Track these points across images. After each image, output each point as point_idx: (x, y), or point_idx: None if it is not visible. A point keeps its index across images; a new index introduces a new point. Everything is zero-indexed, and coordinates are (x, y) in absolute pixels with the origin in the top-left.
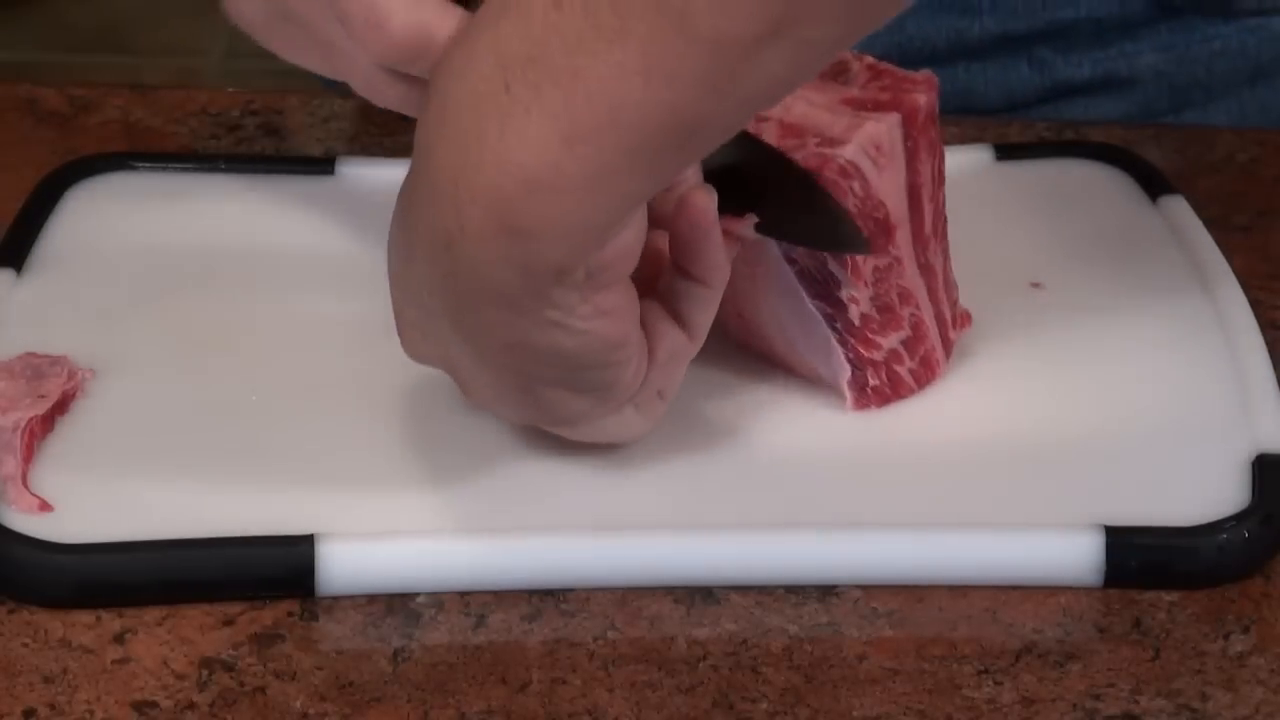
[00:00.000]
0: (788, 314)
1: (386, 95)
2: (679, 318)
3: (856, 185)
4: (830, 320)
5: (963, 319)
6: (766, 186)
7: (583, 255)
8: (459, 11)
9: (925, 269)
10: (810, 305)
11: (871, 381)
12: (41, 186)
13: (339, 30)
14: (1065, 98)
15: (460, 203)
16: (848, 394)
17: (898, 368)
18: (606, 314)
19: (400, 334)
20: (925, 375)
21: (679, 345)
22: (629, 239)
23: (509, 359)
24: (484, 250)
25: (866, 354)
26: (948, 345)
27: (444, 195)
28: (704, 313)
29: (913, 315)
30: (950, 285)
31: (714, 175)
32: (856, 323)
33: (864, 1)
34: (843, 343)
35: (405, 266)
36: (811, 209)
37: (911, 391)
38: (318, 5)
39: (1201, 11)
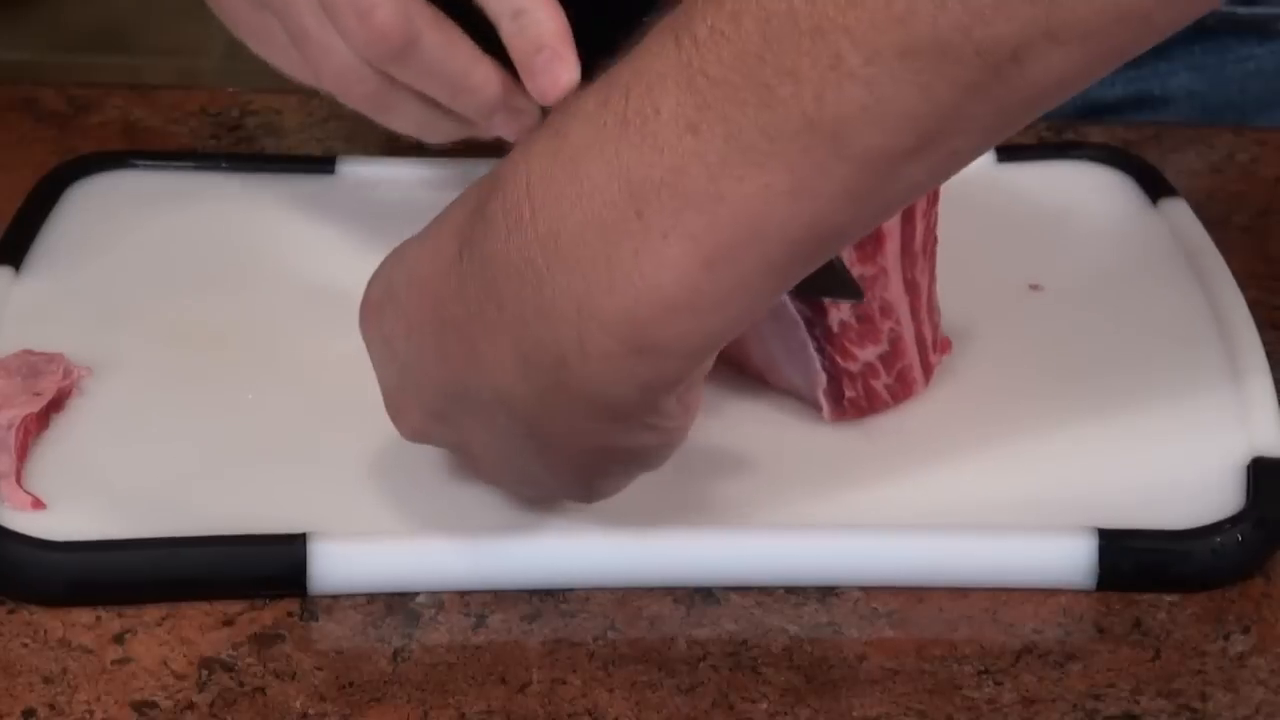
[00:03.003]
0: (767, 319)
1: (356, 91)
2: None
3: None
4: (809, 325)
5: (943, 344)
6: None
7: (700, 366)
8: (441, 15)
9: (910, 285)
10: (791, 309)
11: (848, 393)
12: (41, 184)
13: (318, 18)
14: (1097, 116)
15: (584, 326)
16: (824, 404)
17: (874, 382)
18: (690, 409)
19: (399, 415)
20: (902, 392)
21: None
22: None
23: (582, 458)
24: (605, 369)
25: (843, 364)
26: (927, 368)
27: (563, 318)
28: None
29: (892, 330)
30: (934, 309)
31: None
32: (835, 329)
33: (1011, 113)
34: (820, 350)
35: (454, 369)
36: None
37: (887, 406)
38: None
39: (1236, 31)
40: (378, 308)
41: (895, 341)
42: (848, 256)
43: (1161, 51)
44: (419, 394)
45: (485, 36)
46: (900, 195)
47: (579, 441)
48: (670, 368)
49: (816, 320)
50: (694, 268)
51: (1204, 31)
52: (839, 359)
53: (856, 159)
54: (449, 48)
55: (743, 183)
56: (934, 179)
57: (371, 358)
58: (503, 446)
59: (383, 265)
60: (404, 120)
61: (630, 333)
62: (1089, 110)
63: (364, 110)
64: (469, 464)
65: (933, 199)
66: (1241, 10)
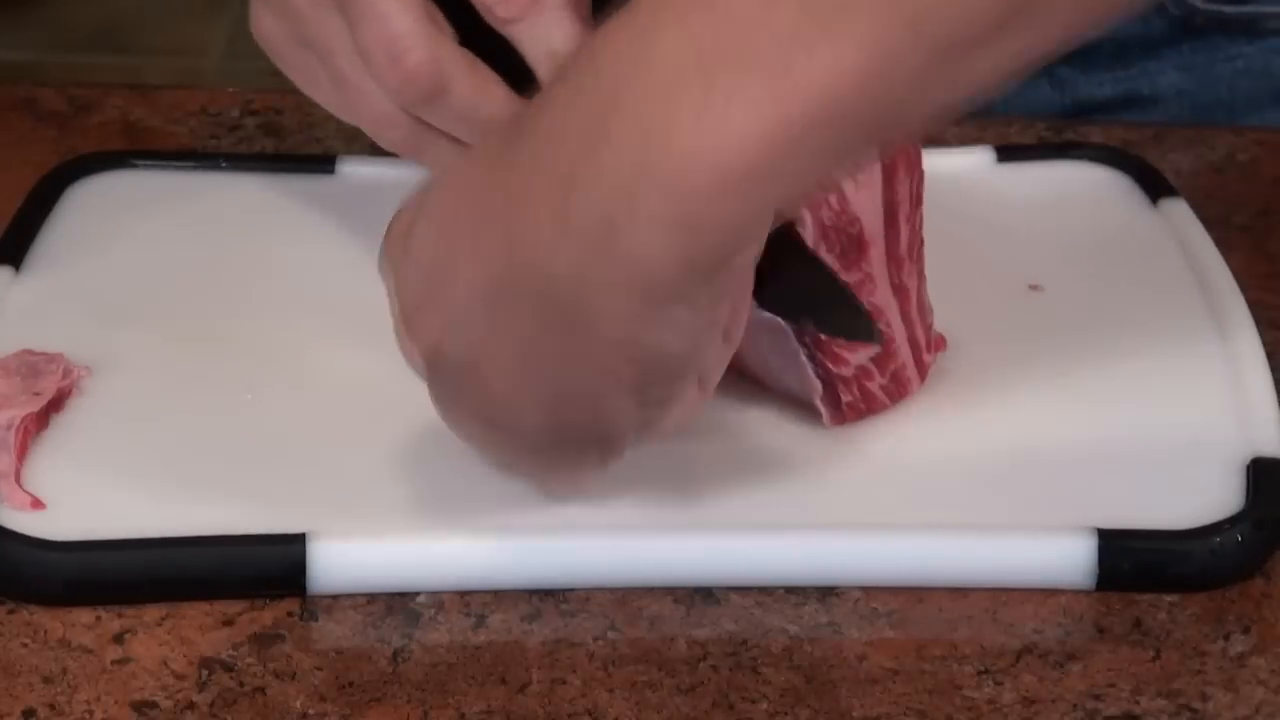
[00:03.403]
0: (758, 328)
1: (392, 136)
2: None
3: (833, 199)
4: (799, 334)
5: (937, 342)
6: (782, 270)
7: (744, 250)
8: (475, 60)
9: (898, 289)
10: (780, 319)
11: (845, 398)
12: (41, 184)
13: (354, 63)
14: (1086, 116)
15: (637, 190)
16: (823, 411)
17: (869, 384)
18: (714, 324)
19: (417, 328)
20: (898, 392)
21: (694, 398)
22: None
23: (604, 360)
24: (652, 238)
25: (835, 369)
26: (922, 368)
27: (617, 178)
28: (720, 367)
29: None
30: (925, 309)
31: None
32: (824, 336)
33: (1086, 6)
34: (811, 358)
35: (488, 255)
36: (829, 299)
37: (885, 407)
38: (337, 34)
39: (1225, 30)
40: (405, 229)
41: (886, 343)
42: (832, 265)
43: (1150, 50)
44: (445, 295)
45: (520, 75)
46: (963, 87)
47: (608, 328)
48: (716, 244)
49: (806, 328)
50: (752, 139)
51: (1193, 30)
52: (831, 365)
53: (928, 39)
54: (481, 93)
55: (812, 56)
56: (999, 74)
57: (392, 280)
58: (523, 349)
59: (409, 199)
60: (438, 164)
61: (682, 200)
62: (1079, 109)
63: (399, 153)
64: (474, 392)
65: (916, 202)
66: (1229, 9)
